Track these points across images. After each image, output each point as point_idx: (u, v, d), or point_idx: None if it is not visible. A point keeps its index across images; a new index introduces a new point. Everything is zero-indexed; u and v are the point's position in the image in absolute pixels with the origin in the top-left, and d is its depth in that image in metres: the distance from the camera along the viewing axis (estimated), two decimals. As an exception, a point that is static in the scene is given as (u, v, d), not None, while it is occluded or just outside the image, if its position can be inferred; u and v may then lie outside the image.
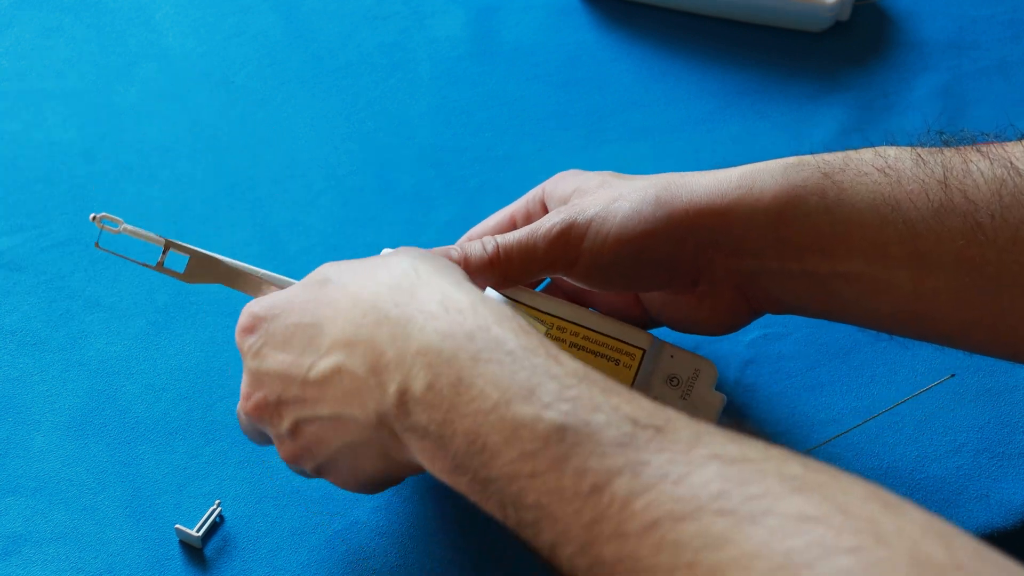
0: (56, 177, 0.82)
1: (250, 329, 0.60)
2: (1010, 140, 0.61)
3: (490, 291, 0.66)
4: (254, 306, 0.61)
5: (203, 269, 0.67)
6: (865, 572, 0.41)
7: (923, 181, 0.59)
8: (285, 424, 0.59)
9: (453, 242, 0.70)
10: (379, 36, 0.90)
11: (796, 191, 0.61)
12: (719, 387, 0.68)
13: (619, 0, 0.92)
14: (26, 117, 0.85)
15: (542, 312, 0.67)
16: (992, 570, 0.41)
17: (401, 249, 0.61)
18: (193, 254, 0.67)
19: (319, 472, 0.60)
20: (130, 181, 0.82)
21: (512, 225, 0.70)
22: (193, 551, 0.67)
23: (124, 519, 0.68)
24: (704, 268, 0.63)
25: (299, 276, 0.65)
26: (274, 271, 0.67)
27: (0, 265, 0.78)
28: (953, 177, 0.59)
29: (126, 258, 0.68)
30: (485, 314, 0.53)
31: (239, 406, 0.62)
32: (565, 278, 0.66)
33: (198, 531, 0.67)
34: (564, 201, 0.66)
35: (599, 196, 0.64)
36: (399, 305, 0.55)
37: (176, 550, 0.67)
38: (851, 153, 0.62)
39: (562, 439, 0.49)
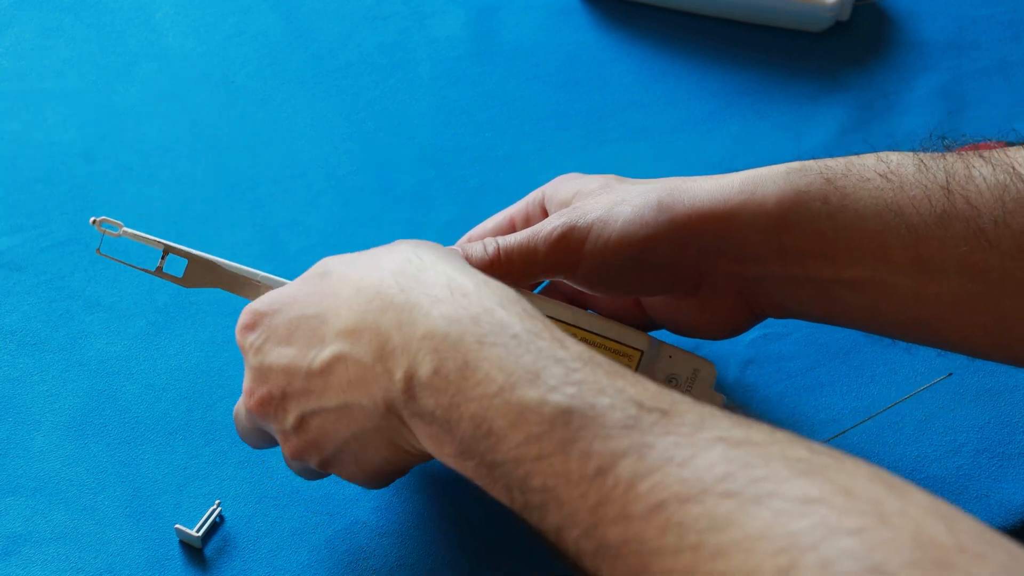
0: (56, 177, 0.82)
1: (251, 326, 0.60)
2: (1012, 145, 0.61)
3: None
4: (255, 303, 0.61)
5: (202, 274, 0.67)
6: (868, 553, 0.41)
7: (926, 186, 0.59)
8: (290, 418, 0.58)
9: (453, 242, 0.70)
10: (379, 36, 0.90)
11: (799, 196, 0.61)
12: (719, 387, 0.68)
13: (619, 0, 0.92)
14: (26, 117, 0.85)
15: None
16: (995, 551, 0.41)
17: (400, 241, 0.61)
18: (192, 258, 0.67)
19: (325, 466, 0.60)
20: (130, 181, 0.82)
21: (511, 227, 0.70)
22: (193, 551, 0.67)
23: (124, 519, 0.68)
24: (706, 273, 0.63)
25: (299, 276, 0.65)
26: (274, 271, 0.67)
27: (0, 265, 0.78)
28: (956, 182, 0.59)
29: (126, 264, 0.69)
30: (490, 297, 0.54)
31: (238, 406, 0.62)
32: (566, 281, 0.66)
33: (198, 531, 0.67)
34: (565, 204, 0.66)
35: (601, 200, 0.64)
36: (404, 290, 0.55)
37: (176, 550, 0.67)
38: (853, 158, 0.62)
39: (568, 422, 0.49)
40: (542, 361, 0.51)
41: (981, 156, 0.60)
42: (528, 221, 0.69)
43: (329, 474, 0.64)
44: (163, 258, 0.67)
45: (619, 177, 0.67)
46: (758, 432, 0.47)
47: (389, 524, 0.68)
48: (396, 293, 0.55)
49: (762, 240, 0.61)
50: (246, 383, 0.60)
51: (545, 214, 0.69)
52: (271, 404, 0.59)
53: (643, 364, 0.66)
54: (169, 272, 0.67)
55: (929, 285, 0.59)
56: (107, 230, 0.66)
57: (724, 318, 0.65)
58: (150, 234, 0.67)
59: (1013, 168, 0.58)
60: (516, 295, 0.54)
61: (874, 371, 0.74)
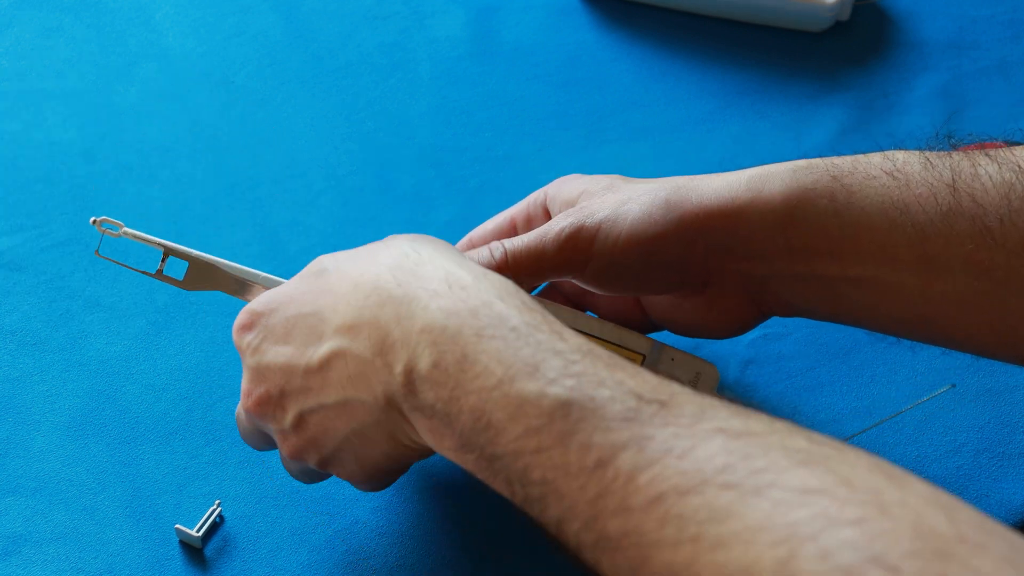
0: (56, 177, 0.82)
1: (248, 326, 0.60)
2: (1018, 143, 0.61)
3: None
4: (251, 304, 0.61)
5: (202, 277, 0.67)
6: (868, 543, 0.41)
7: (932, 185, 0.59)
8: (289, 417, 0.58)
9: (453, 243, 0.70)
10: (379, 36, 0.90)
11: (805, 194, 0.61)
12: (720, 388, 0.68)
13: (619, 0, 0.92)
14: (26, 117, 0.85)
15: None
16: (995, 541, 0.41)
17: (395, 235, 0.61)
18: (193, 260, 0.66)
19: (324, 464, 0.60)
20: (130, 181, 0.82)
21: (512, 228, 0.70)
22: (193, 551, 0.67)
23: (124, 519, 0.68)
24: (714, 271, 0.63)
25: (299, 276, 0.65)
26: (274, 271, 0.67)
27: (0, 265, 0.78)
28: (962, 181, 0.59)
29: (126, 266, 0.68)
30: (488, 290, 0.54)
31: (239, 407, 0.62)
32: (574, 281, 0.66)
33: (198, 531, 0.67)
34: (570, 204, 0.66)
35: (608, 199, 0.64)
36: (402, 285, 0.55)
37: (176, 550, 0.67)
38: (860, 156, 0.62)
39: (567, 415, 0.49)
40: (541, 353, 0.51)
41: (987, 154, 0.60)
42: (529, 222, 0.69)
43: (327, 477, 0.63)
44: (163, 260, 0.67)
45: (624, 177, 0.67)
46: (758, 423, 0.47)
47: (389, 524, 0.68)
48: (394, 287, 0.55)
49: (769, 238, 0.62)
50: (244, 384, 0.60)
51: (547, 215, 0.69)
52: (269, 404, 0.59)
53: (645, 367, 0.66)
54: (169, 275, 0.67)
55: (935, 283, 0.59)
56: (107, 230, 0.66)
57: (731, 316, 0.65)
58: (150, 235, 0.67)
59: (1019, 166, 0.59)
60: (515, 288, 0.54)
61: (874, 371, 0.74)
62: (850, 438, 0.71)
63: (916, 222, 0.59)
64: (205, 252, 0.67)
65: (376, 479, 0.60)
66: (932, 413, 0.72)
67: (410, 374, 0.53)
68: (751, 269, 0.63)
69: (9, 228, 0.80)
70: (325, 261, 0.59)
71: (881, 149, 0.63)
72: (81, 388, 0.73)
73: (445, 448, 0.53)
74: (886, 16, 0.91)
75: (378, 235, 0.64)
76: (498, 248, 0.64)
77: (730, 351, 0.75)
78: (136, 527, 0.68)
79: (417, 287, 0.54)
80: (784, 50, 0.89)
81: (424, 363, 0.52)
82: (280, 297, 0.59)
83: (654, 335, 0.70)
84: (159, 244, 0.66)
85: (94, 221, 0.66)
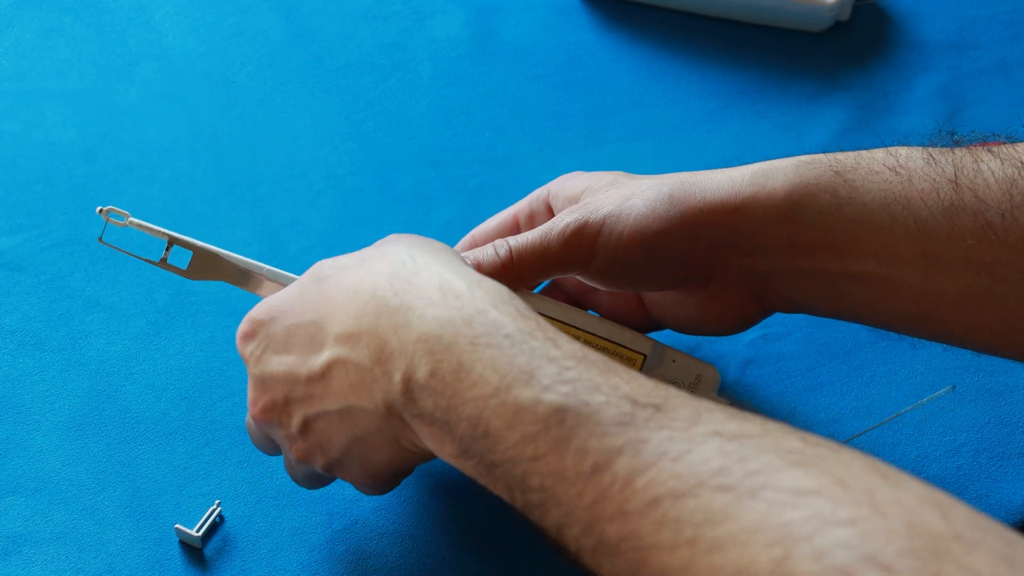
0: (56, 177, 0.82)
1: (250, 335, 0.60)
2: (1020, 140, 0.61)
3: None
4: (251, 313, 0.61)
5: (206, 266, 0.67)
6: (862, 543, 0.41)
7: (934, 180, 0.59)
8: (295, 423, 0.59)
9: (453, 242, 0.70)
10: (379, 36, 0.90)
11: (808, 188, 0.61)
12: (720, 390, 0.68)
13: (619, 0, 0.92)
14: (26, 117, 0.85)
15: (541, 315, 0.67)
16: (990, 539, 0.41)
17: (395, 237, 0.61)
18: (196, 250, 0.67)
19: (330, 468, 0.60)
20: (130, 181, 0.82)
21: (515, 226, 0.70)
22: (193, 551, 0.67)
23: (124, 519, 0.68)
24: (717, 266, 0.63)
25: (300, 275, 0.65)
26: (274, 271, 0.67)
27: (0, 265, 0.78)
28: (964, 176, 0.59)
29: (129, 253, 0.69)
30: (483, 298, 0.54)
31: (248, 416, 0.62)
32: (578, 277, 0.66)
33: (198, 531, 0.67)
34: (573, 201, 0.66)
35: (611, 195, 0.64)
36: (398, 293, 0.55)
37: (176, 550, 0.67)
38: (863, 152, 0.62)
39: (562, 421, 0.49)
40: (536, 361, 0.51)
41: (989, 150, 0.60)
42: (532, 219, 0.69)
43: (331, 482, 0.64)
44: (167, 249, 0.67)
45: (627, 173, 0.67)
46: (752, 425, 0.48)
47: (389, 524, 0.68)
48: (391, 296, 0.55)
49: (771, 233, 0.62)
50: (249, 393, 0.60)
51: (550, 212, 0.69)
52: (275, 411, 0.59)
53: (645, 368, 0.66)
54: (173, 264, 0.67)
55: (936, 279, 0.60)
56: (113, 219, 0.66)
57: (733, 312, 0.65)
58: (155, 225, 0.67)
59: (1021, 162, 0.59)
60: (509, 294, 0.55)
61: (874, 371, 0.74)
62: (850, 439, 0.71)
63: (918, 217, 0.59)
64: (209, 245, 0.67)
65: (381, 482, 0.61)
66: (932, 413, 0.72)
67: (408, 383, 0.53)
68: (754, 264, 0.63)
69: (9, 228, 0.80)
70: (325, 268, 0.60)
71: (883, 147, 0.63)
72: (81, 388, 0.73)
73: (446, 454, 0.53)
74: (886, 16, 0.91)
75: (378, 235, 0.64)
76: (502, 246, 0.64)
77: (730, 351, 0.75)
78: (136, 527, 0.68)
79: (413, 296, 0.54)
80: (784, 50, 0.89)
81: (422, 372, 0.53)
82: (280, 305, 0.59)
83: (656, 335, 0.70)
84: (163, 234, 0.67)
85: (100, 210, 0.66)
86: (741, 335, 0.75)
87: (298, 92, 0.87)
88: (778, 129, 0.86)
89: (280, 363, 0.58)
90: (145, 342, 0.75)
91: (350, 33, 0.90)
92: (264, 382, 0.59)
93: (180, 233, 0.67)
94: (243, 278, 0.67)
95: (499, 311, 0.53)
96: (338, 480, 0.67)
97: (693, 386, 0.66)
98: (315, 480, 0.63)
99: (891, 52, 0.89)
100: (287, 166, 0.83)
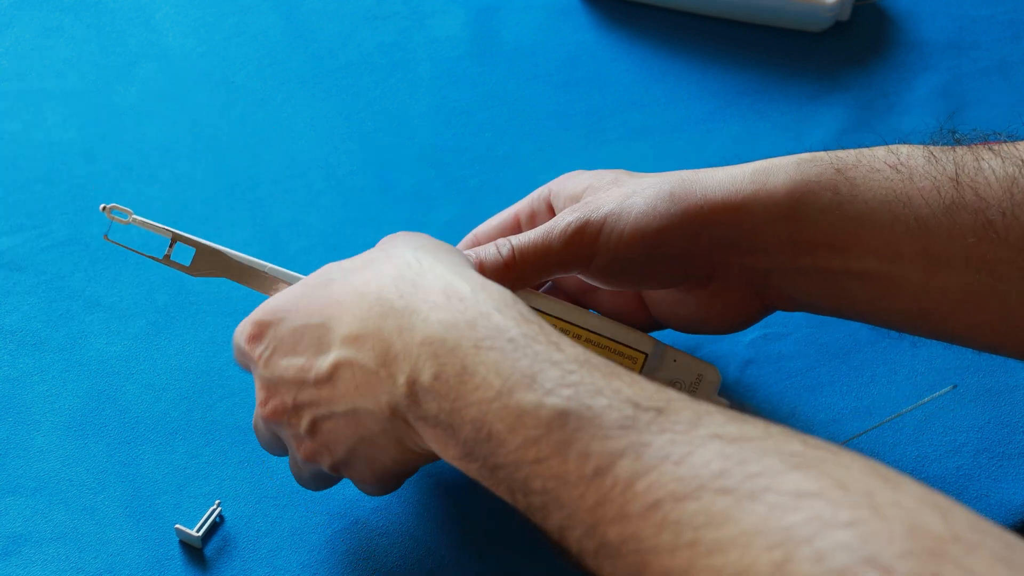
0: (56, 177, 0.82)
1: (257, 337, 0.60)
2: (1021, 139, 0.61)
3: None
4: (257, 314, 0.61)
5: (209, 263, 0.67)
6: (862, 545, 0.41)
7: (935, 178, 0.59)
8: (304, 424, 0.59)
9: (454, 242, 0.70)
10: (379, 36, 0.90)
11: (809, 186, 0.61)
12: (721, 390, 0.68)
13: (619, 0, 0.92)
14: (26, 117, 0.85)
15: (544, 314, 0.67)
16: (989, 540, 0.42)
17: (402, 235, 0.61)
18: (199, 247, 0.67)
19: (337, 468, 0.60)
20: (130, 181, 0.82)
21: (516, 225, 0.70)
22: (193, 551, 0.67)
23: (124, 519, 0.68)
24: (718, 264, 0.63)
25: (301, 276, 0.65)
26: (275, 270, 0.67)
27: (0, 265, 0.78)
28: (965, 174, 0.59)
29: (134, 250, 0.69)
30: (486, 302, 0.54)
31: (256, 417, 0.63)
32: (580, 276, 0.66)
33: (198, 531, 0.67)
34: (574, 200, 0.66)
35: (612, 193, 0.64)
36: (403, 296, 0.55)
37: (176, 550, 0.67)
38: (864, 150, 0.62)
39: (564, 424, 0.49)
40: (538, 364, 0.51)
41: (990, 149, 0.60)
42: (533, 218, 0.69)
43: (335, 483, 0.64)
44: (171, 246, 0.67)
45: (629, 171, 0.67)
46: (753, 428, 0.48)
47: (389, 524, 0.68)
48: (396, 299, 0.55)
49: (772, 231, 0.62)
50: (259, 393, 0.61)
51: (551, 211, 0.69)
52: (284, 413, 0.60)
53: (647, 367, 0.66)
54: (176, 260, 0.67)
55: (936, 277, 0.60)
56: (117, 217, 0.66)
57: (734, 310, 0.65)
58: (158, 222, 0.67)
59: (1022, 161, 0.59)
60: (513, 298, 0.55)
61: (874, 371, 0.74)
62: (849, 440, 0.71)
63: (919, 215, 0.59)
64: (212, 243, 0.67)
65: (385, 482, 0.61)
66: (932, 413, 0.72)
67: (413, 385, 0.53)
68: (754, 262, 0.63)
69: (9, 228, 0.80)
70: (333, 271, 0.60)
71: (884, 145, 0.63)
72: (81, 388, 0.73)
73: (450, 456, 0.53)
74: (886, 16, 0.91)
75: (378, 235, 0.64)
76: (505, 245, 0.65)
77: (730, 351, 0.75)
78: (136, 527, 0.68)
79: (418, 299, 0.55)
80: (784, 50, 0.89)
81: (426, 375, 0.53)
82: (286, 306, 0.60)
83: (657, 334, 0.70)
84: (167, 231, 0.67)
85: (104, 208, 0.66)
86: (741, 335, 0.75)
87: (298, 92, 0.87)
88: (778, 129, 0.86)
89: (289, 366, 0.59)
90: (145, 342, 0.75)
91: (350, 33, 0.90)
92: (273, 384, 0.59)
93: (182, 231, 0.67)
94: (246, 275, 0.67)
95: (503, 315, 0.53)
96: (339, 481, 0.67)
97: (694, 386, 0.66)
98: (321, 481, 0.63)
99: (891, 52, 0.89)
100: (287, 166, 0.83)
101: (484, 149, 0.85)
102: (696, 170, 0.64)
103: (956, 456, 0.71)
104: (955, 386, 0.72)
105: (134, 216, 0.67)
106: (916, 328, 0.63)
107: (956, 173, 0.59)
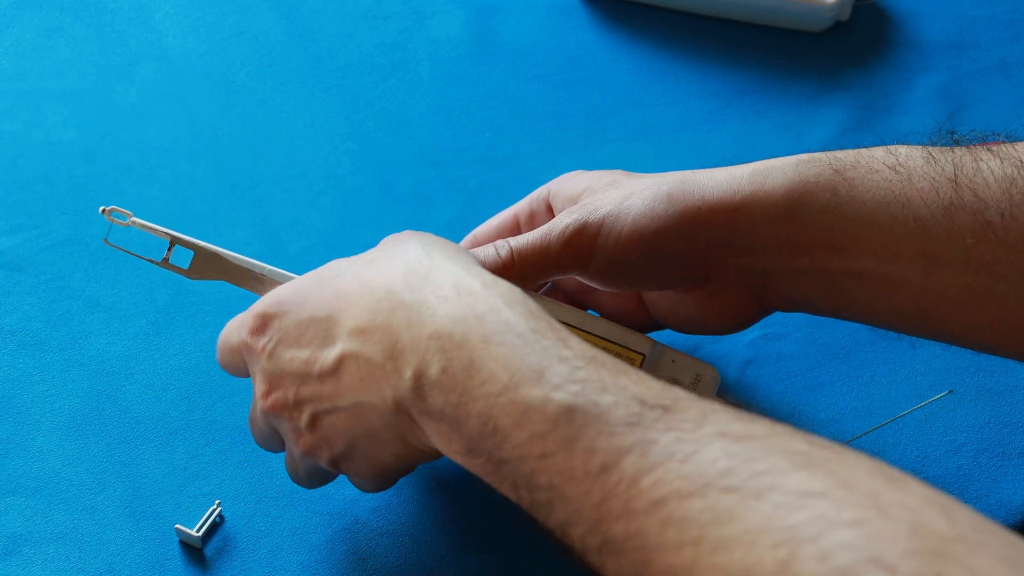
0: (56, 177, 0.82)
1: (261, 329, 0.60)
2: (1020, 139, 0.61)
3: None
4: (260, 306, 0.60)
5: (207, 266, 0.67)
6: (867, 544, 0.42)
7: (933, 179, 0.59)
8: (304, 417, 0.59)
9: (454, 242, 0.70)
10: (379, 36, 0.90)
11: (807, 187, 0.61)
12: (720, 390, 0.68)
13: (619, 0, 0.92)
14: (26, 117, 0.85)
15: None
16: (993, 541, 0.42)
17: (408, 234, 0.61)
18: (198, 250, 0.67)
19: (335, 463, 0.60)
20: (130, 181, 0.82)
21: (515, 225, 0.70)
22: (193, 551, 0.67)
23: (124, 519, 0.68)
24: (715, 265, 0.63)
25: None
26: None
27: (0, 265, 0.78)
28: (963, 175, 0.59)
29: (132, 254, 0.69)
30: (496, 297, 0.54)
31: (252, 412, 0.62)
32: (578, 278, 0.66)
33: (198, 531, 0.67)
34: (573, 201, 0.66)
35: (610, 194, 0.64)
36: (414, 290, 0.55)
37: (176, 550, 0.67)
38: (862, 151, 0.62)
39: (571, 420, 0.49)
40: (547, 360, 0.51)
41: (989, 149, 0.60)
42: (532, 219, 0.69)
43: (331, 479, 0.64)
44: (169, 249, 0.67)
45: (627, 172, 0.67)
46: (759, 426, 0.48)
47: (389, 524, 0.68)
48: (406, 293, 0.55)
49: (770, 231, 0.62)
50: (259, 386, 0.60)
51: (550, 211, 0.69)
52: (285, 406, 0.59)
53: (645, 368, 0.66)
54: (175, 264, 0.67)
55: (935, 277, 0.60)
56: (116, 219, 0.66)
57: (732, 311, 0.65)
58: (158, 225, 0.67)
59: (1021, 161, 0.59)
60: (522, 295, 0.55)
61: (874, 371, 0.74)
62: (849, 441, 0.71)
63: (917, 216, 0.59)
64: (211, 245, 0.67)
65: (383, 478, 0.61)
66: (932, 413, 0.72)
67: (419, 379, 0.53)
68: (752, 263, 0.63)
69: (9, 228, 0.80)
70: (340, 266, 0.60)
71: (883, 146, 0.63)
72: (81, 388, 0.73)
73: (453, 452, 0.53)
74: (886, 16, 0.91)
75: (378, 235, 0.64)
76: (503, 246, 0.65)
77: (730, 351, 0.75)
78: (136, 527, 0.68)
79: (428, 293, 0.55)
80: (784, 50, 0.89)
81: (433, 369, 0.53)
82: (291, 298, 0.59)
83: (655, 335, 0.70)
84: (166, 234, 0.67)
85: (103, 210, 0.66)
86: (741, 335, 0.75)
87: (298, 92, 0.87)
88: (778, 129, 0.86)
89: (293, 358, 0.58)
90: (145, 342, 0.75)
91: (350, 33, 0.90)
92: (276, 376, 0.59)
93: (181, 233, 0.67)
94: (245, 278, 0.67)
95: (512, 311, 0.53)
96: (338, 480, 0.67)
97: (692, 386, 0.67)
98: (317, 477, 0.63)
99: (891, 52, 0.89)
100: (287, 166, 0.83)
101: (484, 149, 0.85)
102: (694, 171, 0.64)
103: (956, 456, 0.71)
104: (951, 391, 0.72)
105: (133, 218, 0.67)
106: (914, 329, 0.63)
107: (955, 174, 0.59)
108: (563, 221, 0.64)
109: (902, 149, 0.61)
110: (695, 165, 0.67)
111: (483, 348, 0.52)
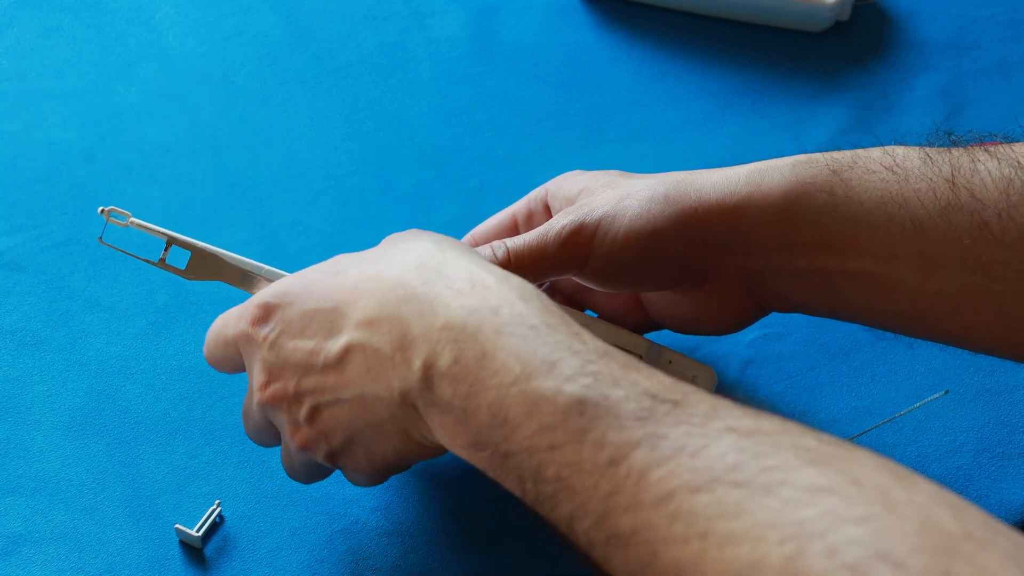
0: (56, 177, 0.82)
1: (263, 319, 0.59)
2: (1017, 140, 0.61)
3: None
4: (263, 296, 0.60)
5: (204, 266, 0.67)
6: (875, 540, 0.42)
7: (931, 179, 0.59)
8: (303, 410, 0.58)
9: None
10: (379, 36, 0.90)
11: (804, 187, 0.61)
12: (719, 388, 0.68)
13: (619, 0, 0.92)
14: (26, 117, 0.85)
15: None
16: (1001, 539, 0.42)
17: (415, 232, 0.61)
18: (195, 250, 0.67)
19: (333, 457, 0.60)
20: (130, 181, 0.82)
21: (513, 225, 0.70)
22: (193, 551, 0.67)
23: (124, 519, 0.68)
24: (713, 266, 0.64)
25: (299, 276, 0.65)
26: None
27: (0, 265, 0.78)
28: (961, 176, 0.59)
29: (128, 253, 0.69)
30: (510, 291, 0.54)
31: (248, 401, 0.62)
32: (575, 278, 0.66)
33: (198, 531, 0.67)
34: (570, 201, 0.66)
35: (607, 195, 0.64)
36: (427, 283, 0.55)
37: (176, 550, 0.67)
38: (860, 151, 0.62)
39: (582, 412, 0.49)
40: (559, 352, 0.51)
41: (986, 150, 0.60)
42: (531, 219, 0.69)
43: (326, 475, 0.63)
44: (166, 249, 0.67)
45: (624, 172, 0.67)
46: (768, 422, 0.48)
47: (389, 524, 0.68)
48: (419, 285, 0.55)
49: (767, 232, 0.62)
50: (258, 377, 0.60)
51: (548, 212, 0.69)
52: (285, 398, 0.59)
53: None
54: (172, 264, 0.67)
55: (932, 278, 0.60)
56: (115, 219, 0.66)
57: (730, 311, 0.65)
58: (156, 225, 0.67)
59: (1018, 162, 0.59)
60: (535, 290, 0.55)
61: (874, 371, 0.74)
62: (849, 441, 0.71)
63: (915, 217, 0.59)
64: (208, 245, 0.67)
65: (380, 473, 0.60)
66: (932, 413, 0.72)
67: (429, 370, 0.53)
68: (749, 264, 0.63)
69: (9, 228, 0.80)
70: (345, 260, 0.60)
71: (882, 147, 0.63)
72: (81, 388, 0.73)
73: (458, 445, 0.53)
74: (886, 16, 0.91)
75: (378, 235, 0.64)
76: (500, 247, 0.65)
77: (730, 351, 0.75)
78: (136, 527, 0.68)
79: (442, 286, 0.55)
80: (784, 50, 0.89)
81: (444, 360, 0.53)
82: (296, 289, 0.59)
83: (653, 336, 0.70)
84: (163, 234, 0.67)
85: (102, 210, 0.66)
86: (741, 335, 0.75)
87: (298, 92, 0.87)
88: (778, 129, 0.86)
89: (296, 349, 0.58)
90: (145, 342, 0.75)
91: (350, 33, 0.90)
92: (277, 367, 0.59)
93: (180, 233, 0.67)
94: (242, 278, 0.67)
95: (526, 304, 0.53)
96: (338, 480, 0.67)
97: None
98: (313, 472, 0.63)
99: (891, 52, 0.89)
100: (287, 166, 0.83)
101: (484, 149, 0.85)
102: (691, 172, 0.64)
103: (956, 456, 0.71)
104: (947, 391, 0.72)
105: (132, 219, 0.67)
106: (911, 329, 0.63)
107: (952, 174, 0.59)
108: (560, 222, 0.64)
109: (899, 150, 0.61)
110: (695, 165, 0.67)
111: (496, 339, 0.52)
